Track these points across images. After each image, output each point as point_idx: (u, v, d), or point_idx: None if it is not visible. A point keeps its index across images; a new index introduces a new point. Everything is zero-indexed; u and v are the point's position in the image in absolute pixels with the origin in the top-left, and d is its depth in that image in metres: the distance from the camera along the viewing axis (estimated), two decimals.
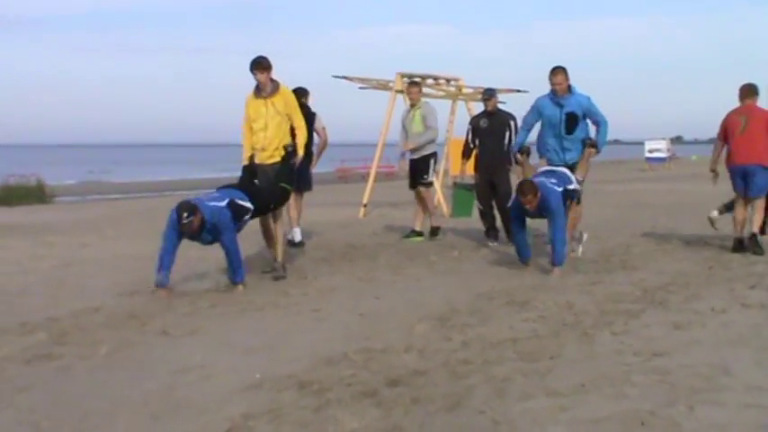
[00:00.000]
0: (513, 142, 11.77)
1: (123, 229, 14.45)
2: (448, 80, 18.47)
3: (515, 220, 9.54)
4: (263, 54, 9.49)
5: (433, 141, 12.53)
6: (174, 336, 6.68)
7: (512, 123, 11.94)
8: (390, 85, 17.63)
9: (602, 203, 18.33)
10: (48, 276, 9.46)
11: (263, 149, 9.51)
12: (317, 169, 12.95)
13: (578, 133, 10.24)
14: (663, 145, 49.41)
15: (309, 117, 12.12)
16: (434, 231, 12.51)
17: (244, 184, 9.20)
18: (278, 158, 9.47)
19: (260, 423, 4.64)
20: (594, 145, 10.20)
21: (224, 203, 8.42)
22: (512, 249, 10.71)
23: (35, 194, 27.03)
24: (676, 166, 47.33)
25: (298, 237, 11.84)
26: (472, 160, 12.27)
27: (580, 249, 10.55)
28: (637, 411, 4.69)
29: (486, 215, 12.15)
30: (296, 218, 11.94)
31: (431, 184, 12.70)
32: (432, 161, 12.50)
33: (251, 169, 9.53)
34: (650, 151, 48.97)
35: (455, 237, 12.69)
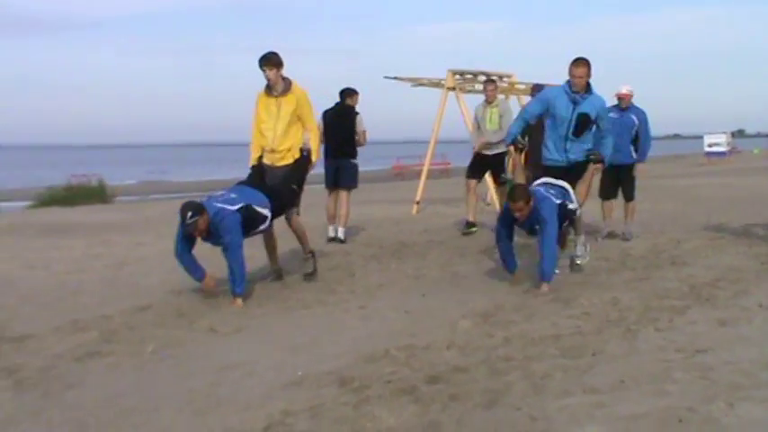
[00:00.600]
0: None
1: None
2: (500, 77, 18.40)
3: (502, 227, 8.39)
4: (275, 52, 8.86)
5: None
6: (220, 333, 6.80)
7: None
8: (442, 82, 17.63)
9: (658, 198, 18.15)
10: (102, 275, 9.65)
11: (273, 151, 9.03)
12: (368, 167, 13.07)
13: (586, 137, 9.39)
14: (723, 139, 48.81)
15: (352, 117, 12.27)
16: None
17: (257, 184, 8.76)
18: (289, 161, 9.03)
19: (299, 419, 4.72)
20: (600, 160, 9.46)
21: (235, 207, 7.95)
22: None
23: (97, 194, 27.54)
24: (737, 159, 46.64)
25: (341, 234, 12.06)
26: (523, 156, 12.30)
27: (582, 254, 9.35)
28: (675, 408, 4.68)
29: None
30: (343, 216, 12.12)
31: (506, 182, 12.79)
32: (506, 159, 12.65)
33: (259, 170, 9.10)
34: (709, 145, 48.39)
35: None
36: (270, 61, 8.76)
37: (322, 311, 7.56)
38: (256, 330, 6.88)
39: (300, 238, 9.16)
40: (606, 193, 11.95)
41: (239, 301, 7.81)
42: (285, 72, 8.93)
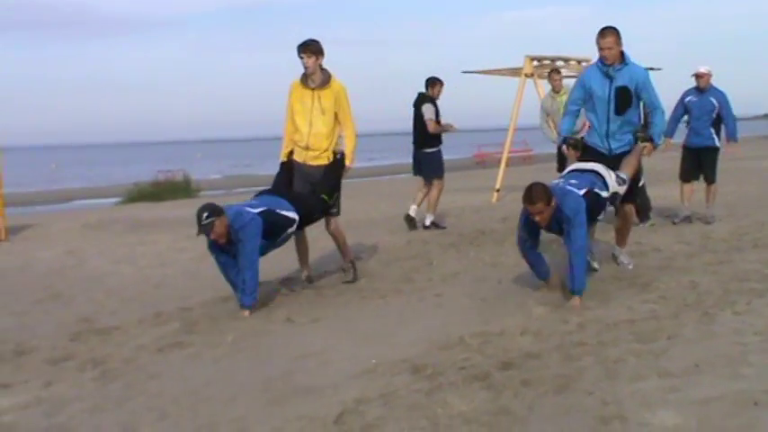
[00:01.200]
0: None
1: None
2: (579, 61, 18.22)
3: (524, 233, 7.36)
4: (316, 40, 8.16)
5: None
6: (297, 323, 6.93)
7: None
8: (520, 69, 17.52)
9: (743, 180, 17.81)
10: (185, 268, 9.88)
11: (308, 149, 8.29)
12: (449, 156, 13.17)
13: (630, 115, 8.16)
14: None
15: (437, 109, 12.45)
16: None
17: (282, 189, 8.23)
18: (323, 161, 8.31)
19: (372, 407, 4.79)
20: (650, 139, 8.16)
21: (257, 210, 7.40)
22: (640, 232, 10.61)
23: (182, 189, 28.08)
24: None
25: (428, 221, 12.21)
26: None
27: (626, 261, 8.57)
28: (750, 391, 4.62)
29: None
30: (429, 202, 12.27)
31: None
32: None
33: (288, 168, 8.44)
34: None
35: None
36: (309, 48, 8.08)
37: (398, 300, 7.63)
38: (332, 320, 6.99)
39: (340, 245, 8.66)
40: (686, 175, 11.77)
41: (246, 312, 7.24)
42: (326, 64, 8.28)
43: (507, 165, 18.15)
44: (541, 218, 6.93)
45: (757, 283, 7.27)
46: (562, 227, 7.08)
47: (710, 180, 11.69)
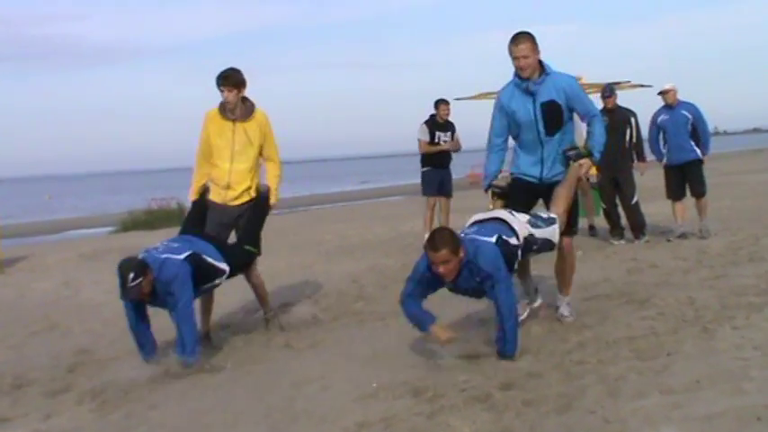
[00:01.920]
0: (634, 139, 11.80)
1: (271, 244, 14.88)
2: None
3: (413, 288, 6.17)
4: (237, 69, 7.32)
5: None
6: (296, 349, 6.90)
7: (632, 120, 11.83)
8: None
9: (737, 195, 17.85)
10: None
11: (229, 187, 7.33)
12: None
13: (565, 133, 6.88)
14: None
15: (451, 127, 12.94)
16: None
17: (197, 227, 7.29)
18: (245, 199, 7.38)
19: (374, 431, 4.78)
20: (588, 154, 6.84)
21: (182, 256, 6.47)
22: (635, 249, 10.63)
23: (176, 217, 27.97)
24: None
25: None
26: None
27: (567, 312, 7.20)
28: (753, 407, 4.62)
29: (610, 214, 12.04)
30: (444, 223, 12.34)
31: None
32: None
33: (201, 207, 7.45)
34: None
35: (580, 237, 12.60)
36: (229, 80, 7.21)
37: (396, 323, 7.58)
38: (331, 344, 6.96)
39: (260, 295, 7.72)
40: (674, 193, 11.77)
41: (189, 366, 6.34)
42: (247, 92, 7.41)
43: None
44: (446, 269, 5.78)
45: (755, 297, 7.27)
46: (475, 287, 6.05)
47: (700, 194, 11.68)
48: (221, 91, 7.20)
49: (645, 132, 12.00)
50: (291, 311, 8.28)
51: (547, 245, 6.56)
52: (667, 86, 11.63)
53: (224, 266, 6.79)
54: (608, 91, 12.11)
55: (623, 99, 12.35)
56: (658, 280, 8.55)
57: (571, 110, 6.79)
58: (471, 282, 5.99)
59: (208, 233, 7.21)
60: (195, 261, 6.52)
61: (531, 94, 6.69)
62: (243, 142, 7.29)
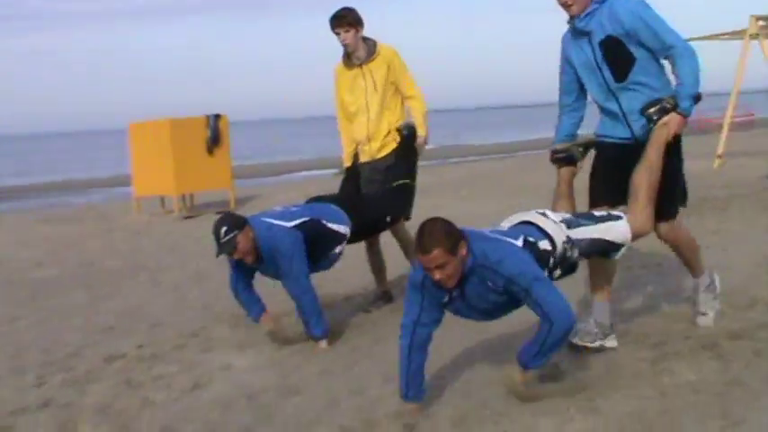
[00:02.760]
0: None
1: (477, 189, 15.12)
2: None
3: (413, 309, 4.52)
4: (350, 8, 6.63)
5: None
6: None
7: None
8: (745, 30, 16.71)
9: None
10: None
11: (370, 140, 6.76)
12: None
13: (642, 75, 5.05)
14: None
15: None
16: None
17: (343, 197, 6.72)
18: (392, 147, 6.75)
19: (594, 372, 4.79)
20: (666, 109, 4.94)
21: (291, 224, 5.83)
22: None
23: None
24: None
25: None
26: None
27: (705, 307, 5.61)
28: None
29: None
30: None
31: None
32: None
33: (353, 173, 6.94)
34: None
35: None
36: (344, 20, 6.58)
37: None
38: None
39: (405, 249, 6.89)
40: None
41: (323, 343, 5.90)
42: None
43: (730, 130, 17.46)
44: (443, 274, 4.22)
45: None
46: (493, 301, 4.42)
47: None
48: (337, 34, 6.61)
49: None
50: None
51: (599, 248, 4.82)
52: None
53: (343, 229, 6.07)
54: None
55: None
56: None
57: (641, 43, 4.99)
58: (484, 291, 4.36)
59: (340, 196, 6.80)
60: (310, 228, 5.88)
61: (584, 34, 5.09)
62: (373, 86, 6.69)
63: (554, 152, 5.44)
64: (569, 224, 4.71)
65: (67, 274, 9.54)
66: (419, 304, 4.47)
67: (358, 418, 4.53)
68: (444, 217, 4.34)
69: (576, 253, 4.65)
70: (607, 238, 4.77)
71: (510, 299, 4.37)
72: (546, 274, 4.44)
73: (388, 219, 6.53)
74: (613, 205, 5.17)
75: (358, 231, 6.29)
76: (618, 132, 5.22)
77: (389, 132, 6.72)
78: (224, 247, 5.61)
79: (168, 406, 5.01)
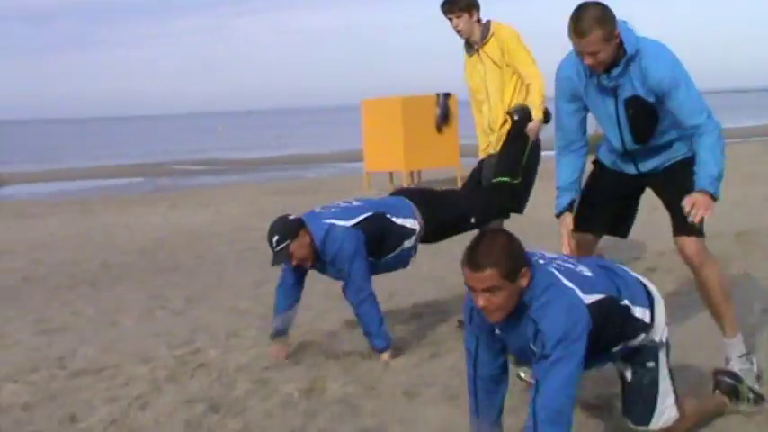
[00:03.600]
0: None
1: None
2: None
3: (470, 339, 3.70)
4: None
5: None
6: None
7: None
8: None
9: None
10: None
11: (492, 130, 6.22)
12: None
13: (662, 137, 4.53)
14: None
15: None
16: None
17: (425, 192, 6.32)
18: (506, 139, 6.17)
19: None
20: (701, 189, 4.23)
21: (352, 222, 5.42)
22: None
23: None
24: None
25: None
26: None
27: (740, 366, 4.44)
28: None
29: None
30: None
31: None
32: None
33: (478, 170, 6.42)
34: None
35: None
36: (455, 5, 6.12)
37: None
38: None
39: None
40: None
41: (385, 355, 5.48)
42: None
43: None
44: (488, 302, 3.35)
45: None
46: (528, 348, 3.46)
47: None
48: (450, 20, 6.16)
49: None
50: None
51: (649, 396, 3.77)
52: None
53: (411, 224, 5.61)
54: None
55: None
56: None
57: (664, 105, 4.36)
58: (522, 335, 3.46)
59: (421, 190, 6.44)
60: (373, 223, 5.48)
61: (609, 90, 4.42)
62: (490, 70, 6.16)
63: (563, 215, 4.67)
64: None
65: None
66: (473, 336, 3.68)
67: None
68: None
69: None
70: (658, 400, 3.72)
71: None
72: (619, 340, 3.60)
73: (473, 220, 5.91)
74: (599, 234, 4.78)
75: (436, 231, 5.86)
76: (624, 168, 4.71)
77: (506, 121, 6.14)
78: (278, 257, 5.32)
79: (409, 370, 5.27)
